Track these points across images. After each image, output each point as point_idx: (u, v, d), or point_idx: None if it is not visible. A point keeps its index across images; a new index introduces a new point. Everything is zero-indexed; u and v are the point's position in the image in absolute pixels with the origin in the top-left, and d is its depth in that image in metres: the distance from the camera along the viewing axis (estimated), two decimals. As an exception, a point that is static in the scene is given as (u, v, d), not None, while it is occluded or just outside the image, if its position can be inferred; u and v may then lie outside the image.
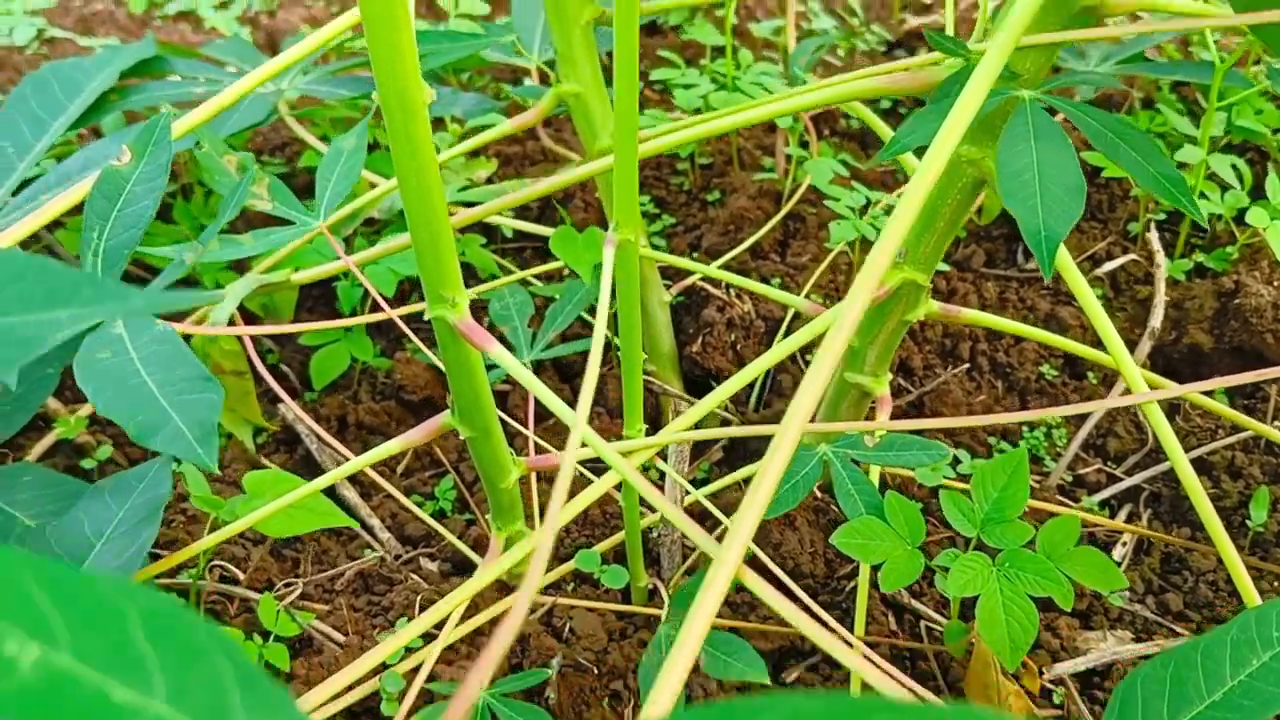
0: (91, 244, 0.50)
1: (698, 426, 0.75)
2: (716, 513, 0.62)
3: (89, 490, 0.58)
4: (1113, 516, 0.75)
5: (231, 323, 0.69)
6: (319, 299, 0.90)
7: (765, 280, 0.85)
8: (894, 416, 0.74)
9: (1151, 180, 0.53)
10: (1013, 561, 0.57)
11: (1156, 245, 0.85)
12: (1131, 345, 0.81)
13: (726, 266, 0.87)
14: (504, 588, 0.68)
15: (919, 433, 0.69)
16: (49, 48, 1.28)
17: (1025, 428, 0.80)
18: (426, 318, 0.51)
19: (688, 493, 0.66)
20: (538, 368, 0.82)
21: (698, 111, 0.97)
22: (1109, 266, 0.87)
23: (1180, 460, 0.58)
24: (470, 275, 0.87)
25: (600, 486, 0.56)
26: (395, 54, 0.41)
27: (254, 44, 1.24)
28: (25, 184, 0.80)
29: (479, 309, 0.85)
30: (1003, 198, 0.51)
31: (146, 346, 0.52)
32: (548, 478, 0.75)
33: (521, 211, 0.96)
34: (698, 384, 0.83)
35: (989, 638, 0.55)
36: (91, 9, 1.41)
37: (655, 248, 0.93)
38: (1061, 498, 0.75)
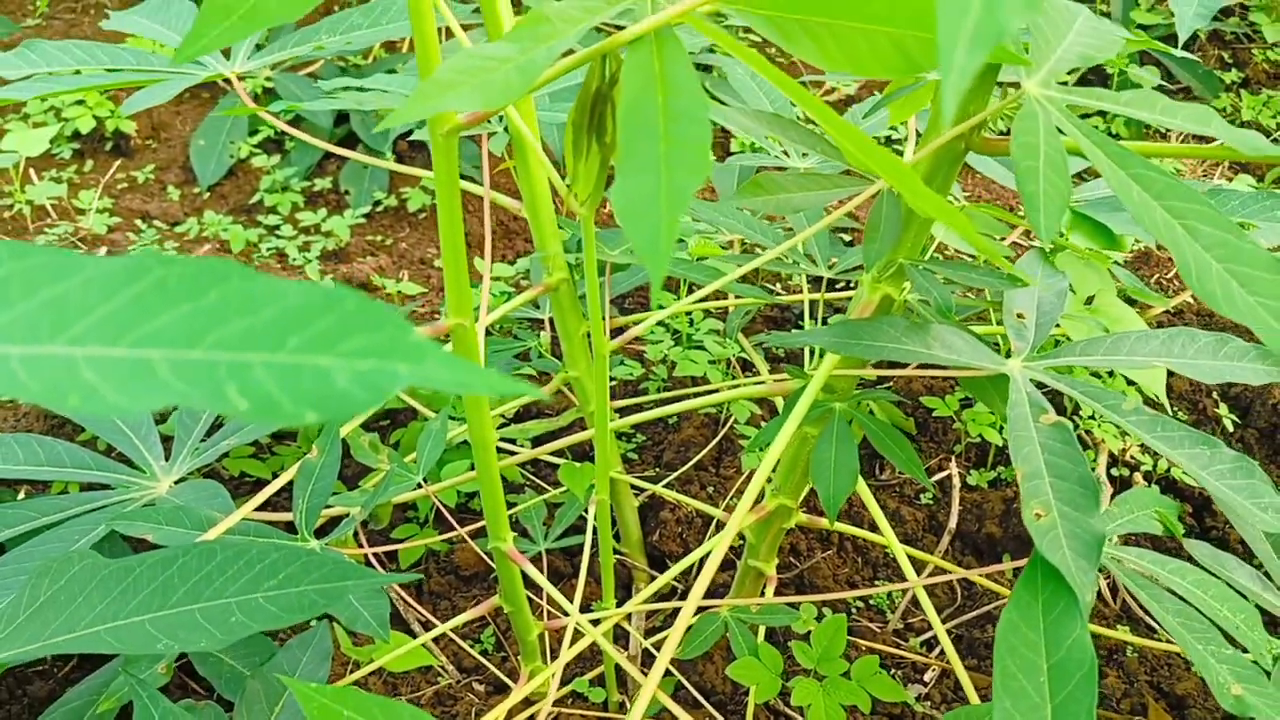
0: (300, 507, 0.90)
1: (657, 597, 1.14)
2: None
3: (284, 647, 0.96)
4: (929, 652, 1.13)
5: (356, 534, 1.09)
6: (402, 506, 1.30)
7: (704, 487, 1.26)
8: (780, 588, 1.13)
9: (901, 461, 0.93)
10: (832, 683, 0.95)
11: (954, 466, 1.26)
12: (940, 532, 1.21)
13: (679, 477, 1.27)
14: (529, 702, 1.06)
15: (796, 604, 1.08)
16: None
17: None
18: (489, 547, 0.91)
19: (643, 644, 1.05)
20: (550, 551, 1.21)
21: (663, 360, 1.38)
22: (937, 476, 1.27)
23: (940, 628, 0.96)
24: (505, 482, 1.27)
25: (585, 641, 0.95)
26: (480, 415, 0.81)
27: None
28: (211, 431, 1.21)
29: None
30: (813, 478, 0.92)
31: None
32: (556, 630, 1.13)
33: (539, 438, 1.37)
34: (656, 560, 1.22)
35: (817, 730, 0.93)
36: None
37: (629, 459, 1.33)
38: (896, 639, 1.13)
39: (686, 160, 0.60)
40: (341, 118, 2.11)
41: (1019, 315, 0.92)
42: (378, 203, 2.00)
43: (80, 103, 2.12)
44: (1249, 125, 2.21)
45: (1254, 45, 2.39)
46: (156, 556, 0.72)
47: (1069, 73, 0.87)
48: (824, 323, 1.41)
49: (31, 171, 2.03)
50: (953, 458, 1.29)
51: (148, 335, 0.36)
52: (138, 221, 1.94)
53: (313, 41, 1.38)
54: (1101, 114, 2.18)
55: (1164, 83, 2.27)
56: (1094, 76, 2.24)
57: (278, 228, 1.91)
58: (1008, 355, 0.88)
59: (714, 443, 1.30)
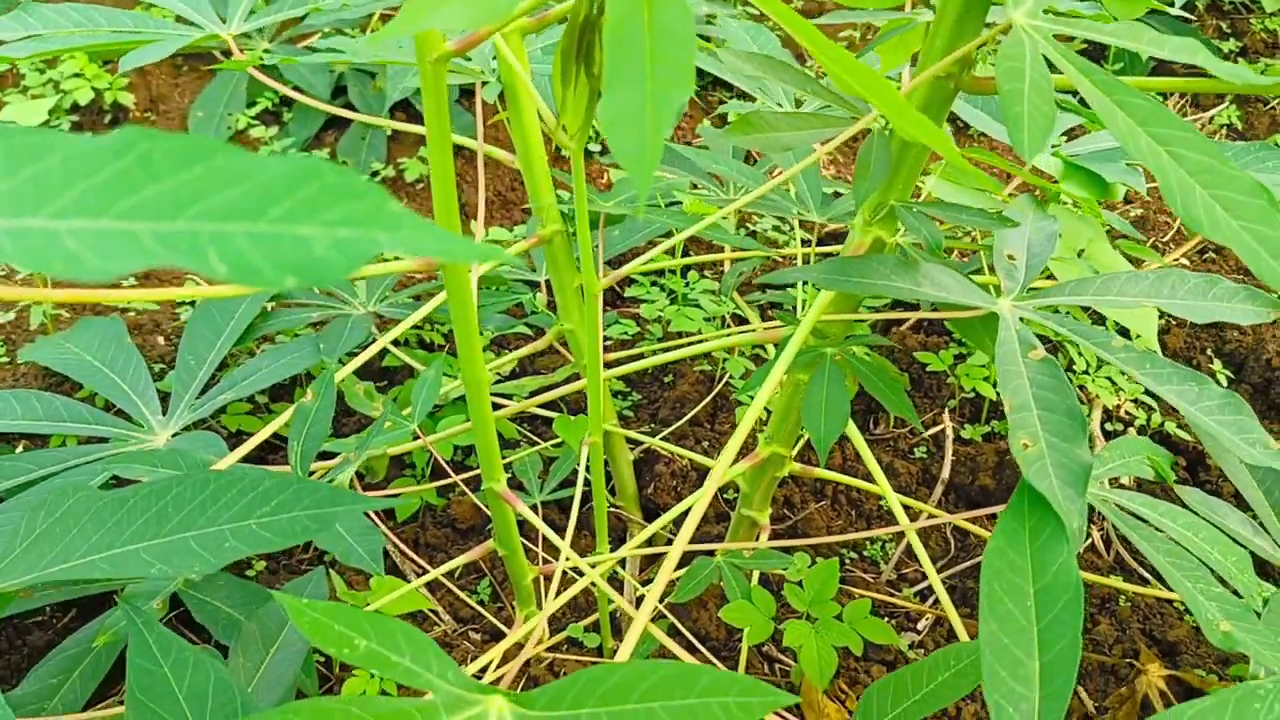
0: (294, 449, 0.90)
1: (649, 543, 1.14)
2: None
3: (275, 593, 0.97)
4: (923, 602, 1.14)
5: (351, 484, 1.09)
6: (398, 458, 1.30)
7: (699, 442, 1.26)
8: (774, 538, 1.13)
9: (893, 405, 0.93)
10: (824, 625, 0.96)
11: (948, 420, 1.26)
12: (934, 484, 1.22)
13: (674, 432, 1.27)
14: (524, 648, 1.07)
15: (790, 550, 1.09)
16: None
17: (868, 541, 1.19)
18: (483, 488, 0.91)
19: (637, 590, 1.06)
20: (545, 504, 1.22)
21: (658, 319, 1.39)
22: (932, 430, 1.28)
23: (934, 576, 0.97)
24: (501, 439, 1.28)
25: (581, 584, 0.96)
26: (468, 330, 0.82)
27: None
28: (207, 387, 1.21)
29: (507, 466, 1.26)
30: (804, 419, 0.92)
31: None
32: (550, 577, 1.14)
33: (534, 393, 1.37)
34: (652, 514, 1.23)
35: (808, 671, 0.93)
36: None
37: (625, 417, 1.33)
38: (889, 588, 1.14)
39: (671, 73, 0.60)
40: (339, 90, 2.12)
41: (1009, 256, 0.92)
42: (375, 173, 2.00)
43: (79, 75, 2.12)
44: (1245, 95, 2.21)
45: (1252, 15, 2.39)
46: (150, 487, 0.72)
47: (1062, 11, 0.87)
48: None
49: (30, 143, 2.03)
50: (946, 412, 1.29)
51: (131, 208, 0.36)
52: (136, 192, 1.94)
53: (309, 4, 1.38)
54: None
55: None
56: (1090, 47, 2.24)
57: (276, 198, 1.91)
58: (998, 295, 0.88)
59: (709, 399, 1.30)
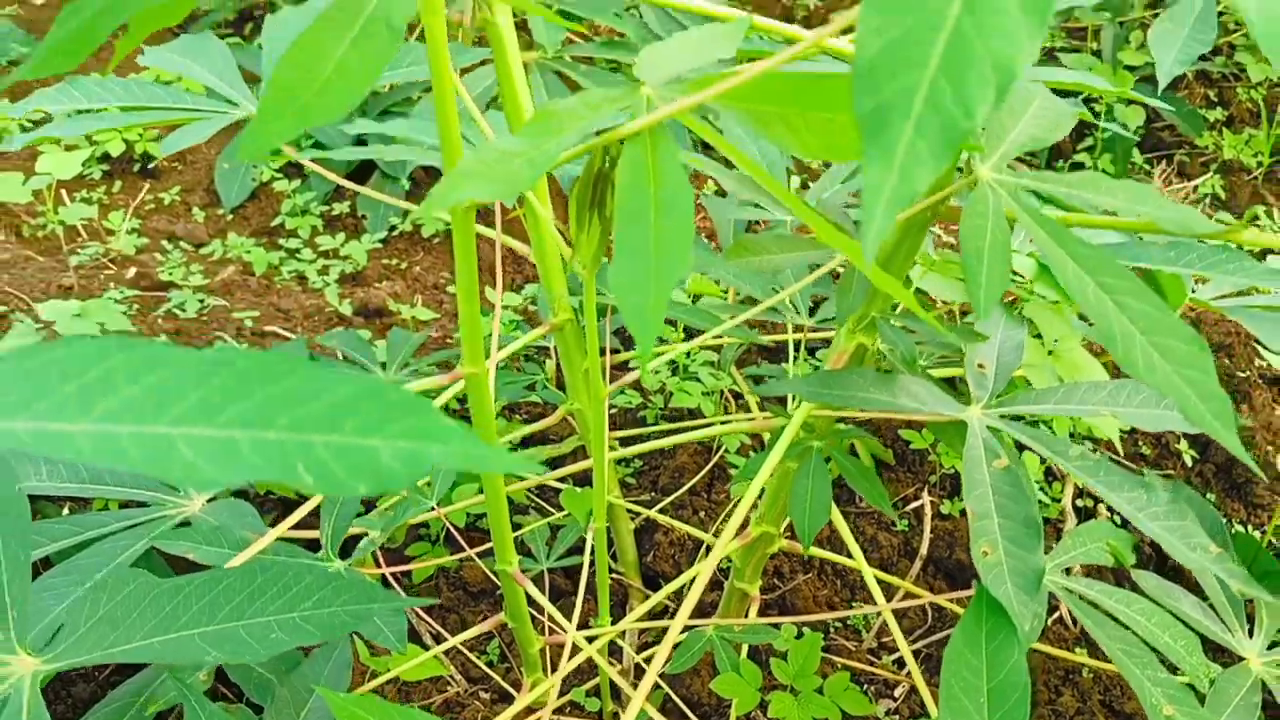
0: (325, 532, 1.00)
1: (650, 615, 1.23)
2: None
3: (309, 657, 1.05)
4: (901, 669, 1.23)
5: (373, 551, 1.18)
6: (415, 525, 1.39)
7: (695, 511, 1.35)
8: (763, 609, 1.22)
9: (871, 497, 1.02)
10: (806, 698, 1.04)
11: (927, 495, 1.35)
12: (914, 557, 1.30)
13: (673, 501, 1.36)
14: (531, 711, 1.15)
15: (778, 624, 1.17)
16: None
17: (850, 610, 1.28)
18: (496, 569, 1.00)
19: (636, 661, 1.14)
20: (551, 570, 1.31)
21: (660, 389, 1.48)
22: (913, 504, 1.37)
23: (905, 649, 1.06)
24: (510, 503, 1.37)
25: (582, 655, 1.05)
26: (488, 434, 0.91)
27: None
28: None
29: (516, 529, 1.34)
30: (790, 510, 1.01)
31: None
32: (556, 644, 1.23)
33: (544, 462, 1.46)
34: (651, 580, 1.31)
35: (792, 739, 1.02)
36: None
37: (626, 484, 1.42)
38: (870, 657, 1.23)
39: (672, 247, 0.69)
40: (358, 143, 2.21)
41: (980, 366, 1.01)
42: (394, 227, 2.10)
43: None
44: (1230, 164, 2.29)
45: (1239, 84, 2.48)
46: (203, 577, 0.81)
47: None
48: (811, 353, 1.51)
49: (64, 193, 2.13)
50: (927, 487, 1.38)
51: (233, 418, 0.45)
52: (164, 242, 2.04)
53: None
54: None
55: (1149, 121, 2.36)
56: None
57: (298, 251, 2.01)
58: (968, 403, 0.97)
59: (706, 469, 1.39)
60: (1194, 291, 1.34)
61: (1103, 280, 0.79)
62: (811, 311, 1.16)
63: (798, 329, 1.21)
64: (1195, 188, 2.22)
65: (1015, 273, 1.26)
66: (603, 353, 1.24)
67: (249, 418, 0.45)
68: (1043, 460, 1.45)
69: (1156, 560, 1.35)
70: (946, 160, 0.47)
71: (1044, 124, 0.92)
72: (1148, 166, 2.28)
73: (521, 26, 2.07)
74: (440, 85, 0.71)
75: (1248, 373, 1.56)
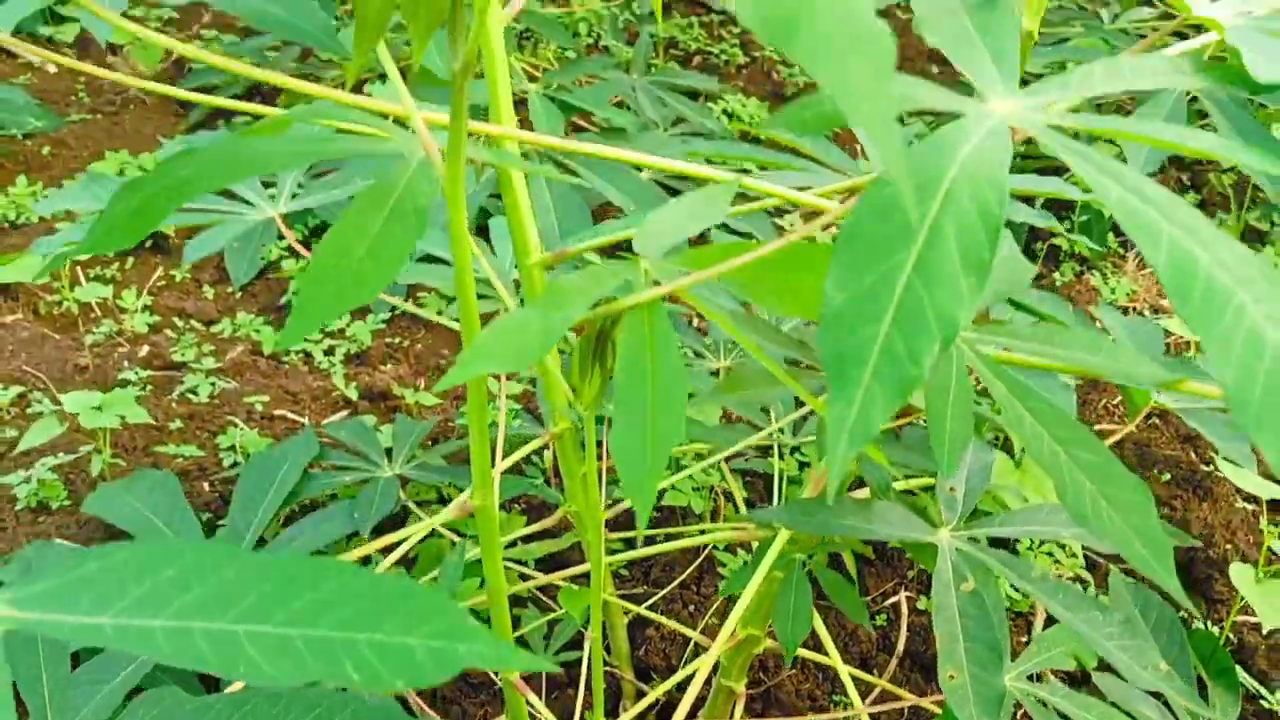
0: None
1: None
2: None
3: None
4: (879, 761, 1.30)
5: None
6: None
7: (685, 605, 1.42)
8: (748, 703, 1.29)
9: (850, 611, 1.10)
10: (789, 796, 1.11)
11: (904, 593, 1.43)
12: (892, 651, 1.38)
13: (665, 595, 1.44)
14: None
15: None
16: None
17: (833, 705, 1.35)
18: (498, 674, 1.07)
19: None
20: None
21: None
22: (891, 600, 1.44)
23: (880, 742, 1.13)
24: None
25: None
26: (494, 566, 0.98)
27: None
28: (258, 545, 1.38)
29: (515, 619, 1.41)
30: (775, 620, 1.08)
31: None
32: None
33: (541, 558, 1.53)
34: (642, 672, 1.38)
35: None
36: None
37: (620, 574, 1.50)
38: (850, 749, 1.30)
39: (667, 414, 0.77)
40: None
41: (950, 488, 1.09)
42: (394, 308, 2.18)
43: (124, 205, 2.30)
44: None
45: (1210, 169, 2.58)
46: (230, 697, 0.87)
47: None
48: (795, 449, 1.59)
49: (79, 270, 2.21)
50: (904, 583, 1.46)
51: (288, 617, 0.53)
52: (175, 320, 2.12)
53: (349, 189, 1.56)
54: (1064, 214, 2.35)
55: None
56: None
57: (304, 330, 2.08)
58: (938, 525, 1.05)
59: (696, 564, 1.47)
60: (1157, 395, 1.42)
61: (1056, 433, 0.87)
62: (795, 429, 1.24)
63: (782, 446, 1.29)
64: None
65: (981, 394, 1.34)
66: (600, 457, 1.33)
67: (300, 618, 0.53)
68: (1018, 550, 1.53)
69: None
70: (899, 402, 0.55)
71: (1005, 277, 1.01)
72: (1122, 250, 2.37)
73: (521, 103, 2.16)
74: (462, 273, 0.79)
75: (1210, 466, 1.64)
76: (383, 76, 2.62)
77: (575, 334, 0.86)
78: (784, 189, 0.97)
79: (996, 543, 1.20)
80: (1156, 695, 1.22)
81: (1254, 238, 2.38)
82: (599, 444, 1.38)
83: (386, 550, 1.50)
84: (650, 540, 1.30)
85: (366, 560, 1.23)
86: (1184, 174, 2.58)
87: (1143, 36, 2.40)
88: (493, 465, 1.03)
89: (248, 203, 1.49)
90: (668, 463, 0.74)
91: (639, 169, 2.28)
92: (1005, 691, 0.91)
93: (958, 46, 0.69)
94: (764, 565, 1.07)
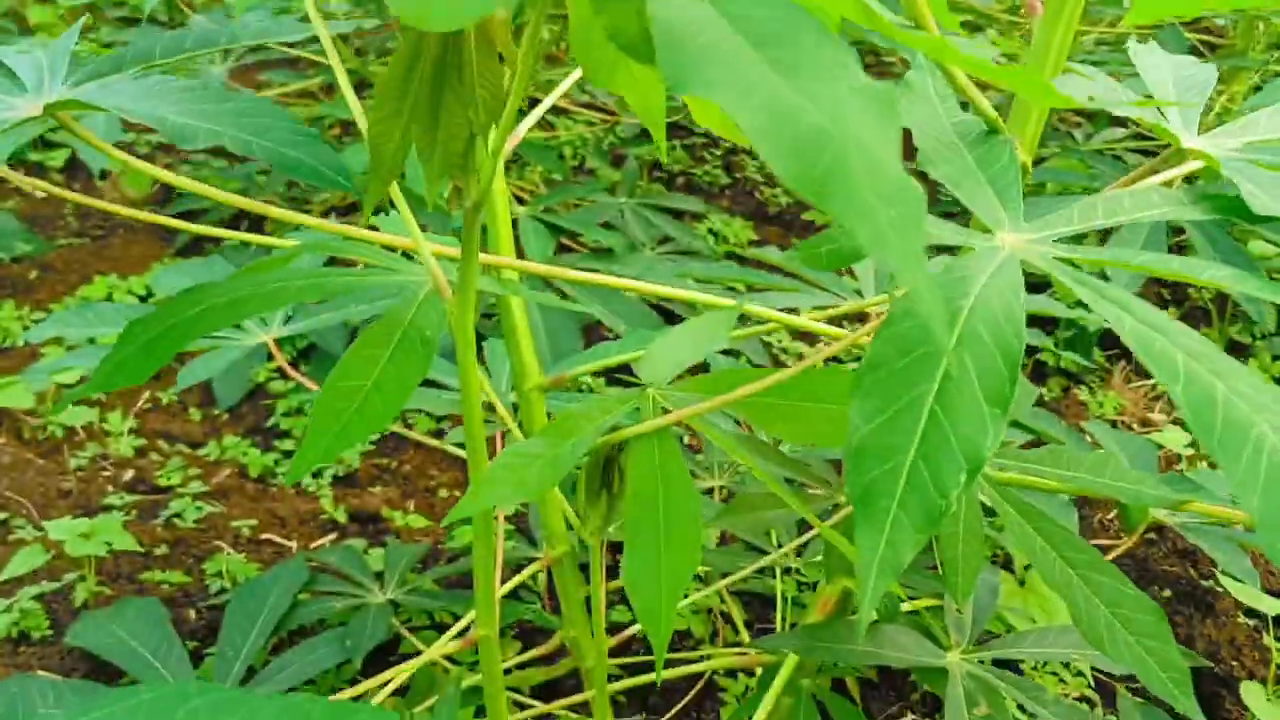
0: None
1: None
2: None
3: None
4: None
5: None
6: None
7: (687, 733, 1.39)
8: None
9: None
10: None
11: (910, 717, 1.41)
12: None
13: (664, 721, 1.41)
14: None
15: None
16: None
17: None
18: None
19: None
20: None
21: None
22: (897, 725, 1.42)
23: None
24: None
25: None
26: (496, 697, 0.96)
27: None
28: (243, 681, 1.34)
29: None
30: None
31: None
32: None
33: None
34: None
35: None
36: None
37: (617, 700, 1.46)
38: None
39: (681, 541, 0.77)
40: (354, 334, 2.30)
41: (958, 611, 1.08)
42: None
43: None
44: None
45: (1191, 284, 2.62)
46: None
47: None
48: (798, 552, 1.57)
49: (63, 394, 2.19)
50: (909, 707, 1.43)
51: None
52: (161, 443, 2.10)
53: (343, 313, 1.56)
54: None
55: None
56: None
57: (292, 453, 2.07)
58: (948, 648, 1.04)
59: (695, 690, 1.44)
60: (1154, 510, 1.42)
61: (1067, 555, 0.86)
62: (799, 552, 1.23)
63: (785, 570, 1.28)
64: (1154, 385, 2.33)
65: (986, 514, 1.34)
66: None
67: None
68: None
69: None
70: (927, 534, 0.55)
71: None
72: (1108, 365, 2.40)
73: (512, 224, 2.19)
74: (470, 405, 0.79)
75: (1210, 581, 1.63)
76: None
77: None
78: (781, 314, 0.98)
79: (1002, 664, 1.19)
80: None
81: (1236, 351, 2.42)
82: (605, 568, 1.37)
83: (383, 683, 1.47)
84: (648, 666, 1.28)
85: (359, 698, 1.21)
86: (1164, 289, 2.62)
87: (1117, 157, 2.47)
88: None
89: (241, 328, 1.49)
90: (680, 596, 0.73)
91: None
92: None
93: (961, 181, 0.71)
94: (772, 692, 1.05)
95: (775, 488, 0.79)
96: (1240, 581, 1.31)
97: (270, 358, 2.29)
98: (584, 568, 1.32)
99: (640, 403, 0.82)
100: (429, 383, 1.54)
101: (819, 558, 1.25)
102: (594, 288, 1.92)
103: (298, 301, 0.81)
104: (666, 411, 0.80)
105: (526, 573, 1.21)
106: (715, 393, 0.79)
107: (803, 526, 1.38)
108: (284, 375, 2.29)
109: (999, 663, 1.05)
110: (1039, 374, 2.34)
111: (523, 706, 1.30)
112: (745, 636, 1.40)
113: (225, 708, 0.54)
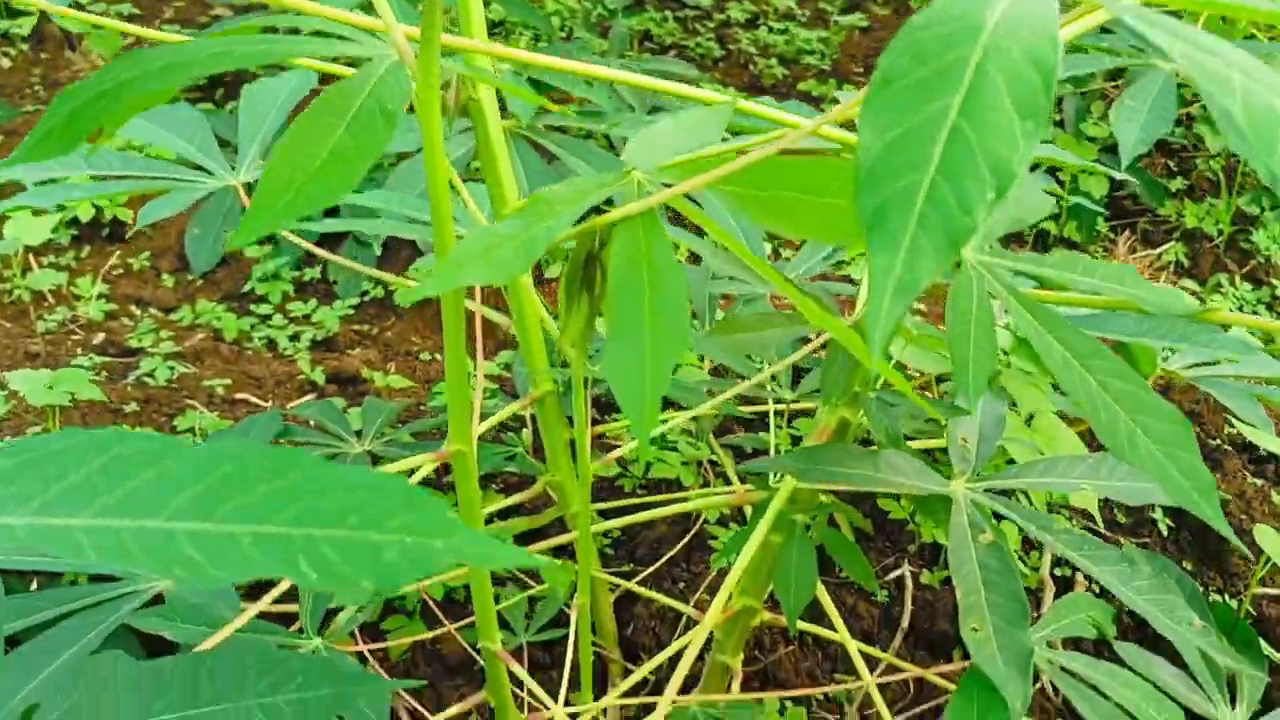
0: (305, 607, 0.98)
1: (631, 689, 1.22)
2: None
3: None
4: (884, 743, 1.22)
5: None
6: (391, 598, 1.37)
7: (675, 582, 1.34)
8: (744, 682, 1.21)
9: (856, 573, 1.02)
10: (792, 776, 1.03)
11: (907, 566, 1.36)
12: (895, 627, 1.30)
13: (652, 573, 1.36)
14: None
15: (759, 697, 1.16)
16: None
17: (833, 686, 1.27)
18: (480, 646, 0.98)
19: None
20: (530, 644, 1.29)
21: (637, 459, 1.48)
22: (893, 574, 1.37)
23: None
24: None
25: (568, 734, 1.03)
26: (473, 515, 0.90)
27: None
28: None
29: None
30: (775, 585, 1.01)
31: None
32: None
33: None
34: (630, 652, 1.30)
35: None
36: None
37: (605, 554, 1.41)
38: (853, 731, 1.22)
39: (668, 334, 0.70)
40: (331, 209, 2.21)
41: (962, 439, 1.02)
42: (365, 293, 2.09)
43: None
44: (1193, 232, 2.34)
45: (1198, 154, 2.54)
46: (184, 659, 0.79)
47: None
48: (789, 420, 1.51)
49: (31, 258, 2.11)
50: (907, 557, 1.38)
51: (233, 512, 0.45)
52: (133, 307, 2.02)
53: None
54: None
55: (1113, 189, 2.41)
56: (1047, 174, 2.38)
57: (269, 317, 2.00)
58: (951, 477, 0.98)
59: (685, 540, 1.39)
60: (1164, 361, 1.36)
61: (1087, 362, 0.80)
62: (794, 384, 1.17)
63: (778, 401, 1.22)
64: (1159, 255, 2.26)
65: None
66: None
67: (251, 513, 0.45)
68: (1021, 532, 1.46)
69: (1135, 629, 1.35)
70: (951, 255, 0.48)
71: (1024, 206, 0.94)
72: (1112, 235, 2.32)
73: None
74: (434, 176, 0.71)
75: (1218, 440, 1.58)
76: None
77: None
78: (783, 114, 0.90)
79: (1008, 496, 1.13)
80: (1178, 664, 1.15)
81: (1244, 222, 2.34)
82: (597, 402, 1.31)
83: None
84: (638, 510, 1.22)
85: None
86: (1170, 160, 2.53)
87: None
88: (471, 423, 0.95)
89: (206, 171, 1.41)
90: (667, 384, 0.66)
91: (611, 146, 2.21)
92: (1032, 648, 0.84)
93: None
94: (761, 526, 0.99)
95: (763, 268, 0.72)
96: (1255, 428, 1.25)
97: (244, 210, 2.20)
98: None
99: (624, 186, 0.75)
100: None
101: (816, 390, 1.18)
102: (575, 144, 1.82)
103: (245, 65, 0.73)
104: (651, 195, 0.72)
105: (508, 410, 1.15)
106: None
107: (797, 376, 1.31)
108: (258, 241, 2.21)
109: (1005, 496, 0.99)
110: (1042, 243, 2.27)
111: (504, 553, 1.24)
112: (738, 486, 1.35)
113: (150, 456, 0.47)
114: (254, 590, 1.07)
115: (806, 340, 1.13)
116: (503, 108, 2.03)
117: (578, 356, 0.85)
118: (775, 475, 1.31)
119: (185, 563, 0.44)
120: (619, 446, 1.54)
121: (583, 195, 0.74)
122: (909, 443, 1.13)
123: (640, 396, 0.67)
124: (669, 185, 0.75)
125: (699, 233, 1.61)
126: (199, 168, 1.39)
